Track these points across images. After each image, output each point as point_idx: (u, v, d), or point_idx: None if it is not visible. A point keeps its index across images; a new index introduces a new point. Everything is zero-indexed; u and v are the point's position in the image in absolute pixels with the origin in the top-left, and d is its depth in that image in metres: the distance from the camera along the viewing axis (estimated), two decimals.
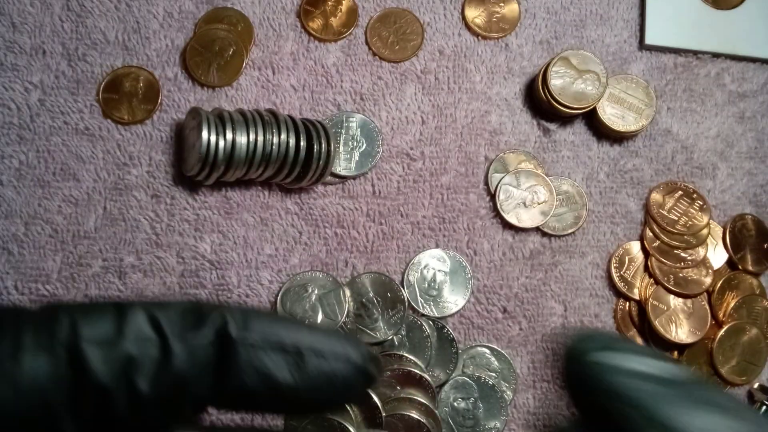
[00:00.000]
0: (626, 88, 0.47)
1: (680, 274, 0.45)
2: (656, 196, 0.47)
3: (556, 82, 0.45)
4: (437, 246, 0.45)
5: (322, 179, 0.44)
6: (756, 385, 0.45)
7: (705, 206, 0.46)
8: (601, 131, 0.47)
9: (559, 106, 0.45)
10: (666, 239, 0.45)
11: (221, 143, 0.40)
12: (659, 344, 0.44)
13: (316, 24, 0.47)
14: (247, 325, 0.18)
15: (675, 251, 0.45)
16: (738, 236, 0.46)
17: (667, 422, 0.15)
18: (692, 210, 0.46)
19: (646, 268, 0.45)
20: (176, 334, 0.17)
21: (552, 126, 0.47)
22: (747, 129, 0.49)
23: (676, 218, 0.46)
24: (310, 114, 0.46)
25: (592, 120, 0.47)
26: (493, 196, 0.46)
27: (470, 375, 0.43)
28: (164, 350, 0.17)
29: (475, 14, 0.48)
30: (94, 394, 0.16)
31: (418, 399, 0.42)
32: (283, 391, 0.18)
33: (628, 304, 0.45)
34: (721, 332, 0.44)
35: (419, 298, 0.44)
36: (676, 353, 0.45)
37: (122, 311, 0.17)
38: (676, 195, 0.46)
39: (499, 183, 0.46)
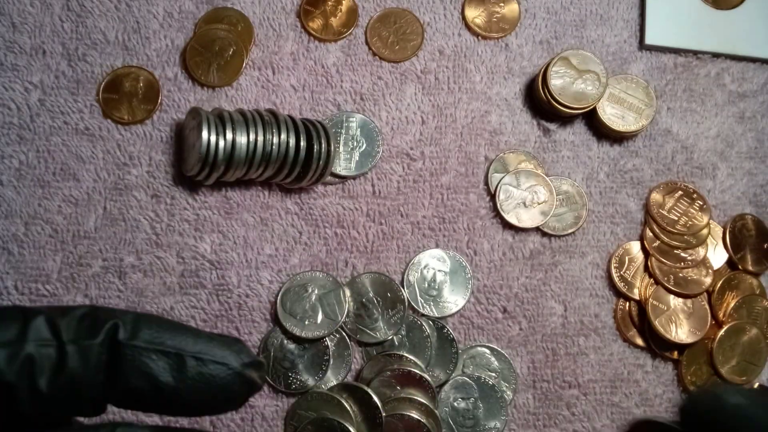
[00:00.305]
0: (626, 88, 0.47)
1: (680, 274, 0.45)
2: (656, 196, 0.47)
3: (556, 82, 0.45)
4: (437, 246, 0.45)
5: (322, 179, 0.44)
6: (756, 385, 0.45)
7: (705, 206, 0.46)
8: (601, 131, 0.47)
9: (559, 106, 0.45)
10: (666, 239, 0.45)
11: (221, 143, 0.40)
12: (659, 344, 0.45)
13: (316, 24, 0.47)
14: (136, 330, 0.20)
15: (675, 251, 0.45)
16: (738, 236, 0.46)
17: None
18: (692, 210, 0.46)
19: (646, 268, 0.45)
20: (71, 338, 0.19)
21: (552, 126, 0.47)
22: (747, 129, 0.49)
23: (676, 218, 0.46)
24: (310, 114, 0.46)
25: (592, 120, 0.47)
26: (493, 196, 0.46)
27: (470, 375, 0.43)
28: (60, 352, 0.19)
29: (475, 14, 0.48)
30: (0, 391, 0.18)
31: (418, 399, 0.42)
32: (165, 393, 0.19)
33: (628, 304, 0.45)
34: (721, 332, 0.44)
35: (419, 298, 0.44)
36: (676, 353, 0.45)
37: (27, 316, 0.19)
38: (676, 195, 0.46)
39: (499, 183, 0.46)
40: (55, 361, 0.19)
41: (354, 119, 0.46)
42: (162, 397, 0.20)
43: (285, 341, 0.43)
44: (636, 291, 0.45)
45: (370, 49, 0.47)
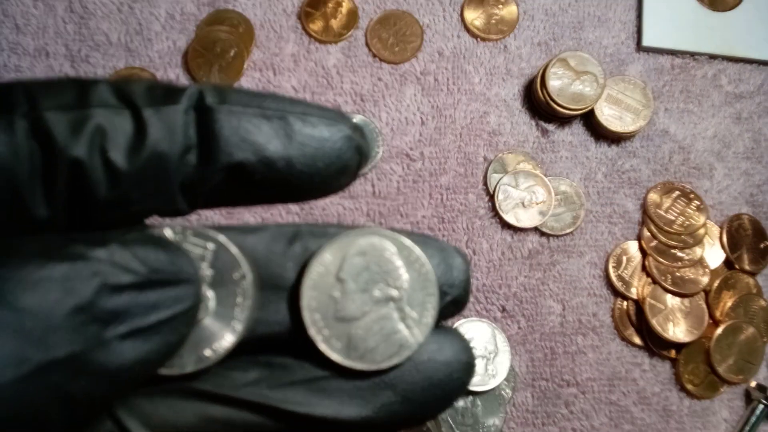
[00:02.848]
0: (624, 89, 0.47)
1: (677, 274, 0.45)
2: (653, 196, 0.47)
3: (554, 83, 0.46)
4: None
5: None
6: (753, 384, 0.45)
7: (702, 206, 0.46)
8: (599, 132, 0.48)
9: (557, 107, 0.46)
10: (663, 239, 0.46)
11: None
12: (657, 343, 0.45)
13: (316, 26, 0.47)
14: (224, 95, 0.16)
15: (672, 251, 0.46)
16: (735, 236, 0.47)
17: None
18: (689, 210, 0.46)
19: (644, 268, 0.46)
20: (146, 103, 0.15)
21: (550, 127, 0.48)
22: (744, 130, 0.49)
23: (673, 218, 0.46)
24: None
25: (590, 121, 0.48)
26: (491, 197, 0.46)
27: None
28: (136, 119, 0.15)
29: (474, 16, 0.48)
30: (64, 168, 0.14)
31: None
32: (276, 165, 0.16)
33: (625, 303, 0.46)
34: (719, 331, 0.45)
35: None
36: (673, 352, 0.45)
37: (83, 83, 0.15)
38: (674, 195, 0.47)
39: (497, 183, 0.46)
40: (133, 132, 0.15)
41: (354, 120, 0.46)
42: (274, 172, 0.16)
43: None
44: (633, 290, 0.45)
45: (370, 50, 0.47)
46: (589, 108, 0.46)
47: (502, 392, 0.44)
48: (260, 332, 0.16)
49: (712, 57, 0.49)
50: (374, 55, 0.47)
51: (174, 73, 0.46)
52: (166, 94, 0.15)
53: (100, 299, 0.13)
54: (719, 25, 0.49)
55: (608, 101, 0.47)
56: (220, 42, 0.46)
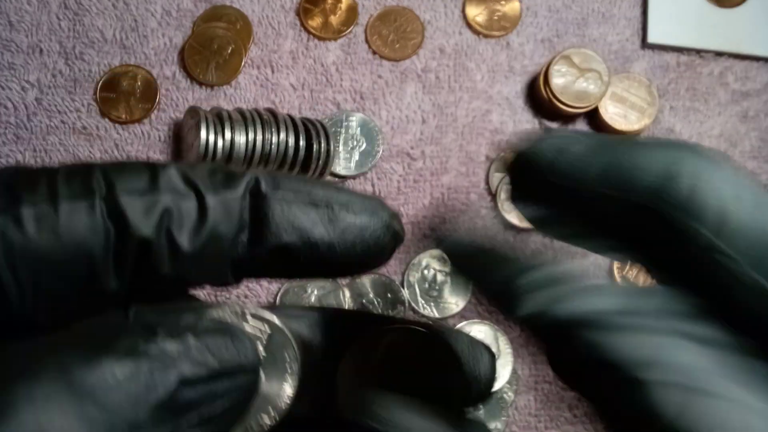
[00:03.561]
0: (628, 86, 0.46)
1: None
2: None
3: (557, 80, 0.45)
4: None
5: (321, 179, 0.43)
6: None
7: None
8: (603, 130, 0.47)
9: (560, 105, 0.45)
10: None
11: (220, 143, 0.40)
12: None
13: (315, 22, 0.47)
14: (278, 183, 0.17)
15: None
16: None
17: None
18: None
19: None
20: (209, 188, 0.17)
21: (554, 125, 0.47)
22: (750, 128, 0.48)
23: None
24: (309, 113, 0.46)
25: (594, 119, 0.47)
26: (494, 196, 0.46)
27: None
28: (200, 204, 0.16)
29: (476, 12, 0.48)
30: (134, 247, 0.16)
31: None
32: (319, 248, 0.17)
33: None
34: None
35: (420, 298, 0.44)
36: None
37: (154, 168, 0.17)
38: None
39: (500, 182, 0.45)
40: (196, 215, 0.16)
41: (354, 118, 0.46)
42: (316, 254, 0.17)
43: None
44: None
45: (370, 47, 0.47)
46: (594, 106, 0.46)
47: (505, 395, 0.43)
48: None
49: (719, 54, 0.49)
50: (374, 52, 0.47)
51: (170, 71, 0.45)
52: (227, 178, 0.17)
53: (179, 394, 0.14)
54: (725, 21, 0.48)
55: (613, 99, 0.46)
56: (217, 39, 0.45)
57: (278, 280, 0.44)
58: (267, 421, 0.17)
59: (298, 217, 0.17)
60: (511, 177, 0.17)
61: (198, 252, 0.16)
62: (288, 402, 0.18)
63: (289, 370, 0.18)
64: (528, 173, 0.17)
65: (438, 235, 0.20)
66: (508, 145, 0.47)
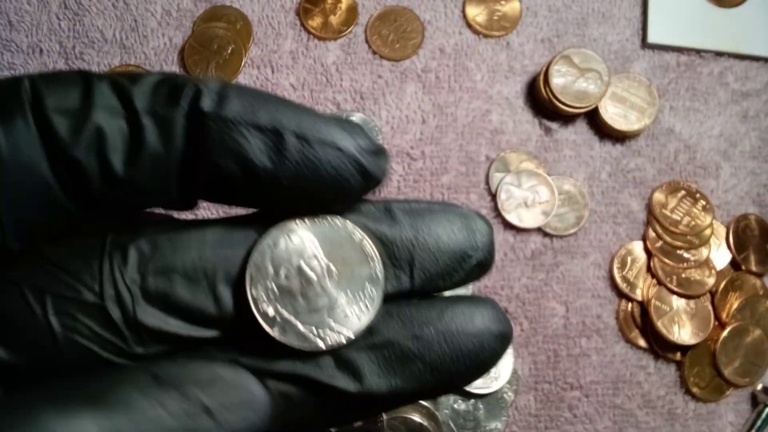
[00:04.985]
0: (628, 86, 0.46)
1: (683, 275, 0.44)
2: (659, 196, 0.46)
3: (557, 80, 0.45)
4: None
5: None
6: (759, 387, 0.45)
7: (708, 206, 0.46)
8: (603, 130, 0.47)
9: (560, 105, 0.45)
10: (669, 239, 0.45)
11: None
12: (662, 345, 0.44)
13: (315, 22, 0.47)
14: (224, 99, 0.15)
15: (678, 252, 0.45)
16: (741, 236, 0.46)
17: None
18: (695, 210, 0.46)
19: (649, 269, 0.45)
20: (146, 107, 0.15)
21: (554, 125, 0.47)
22: (750, 128, 0.48)
23: (678, 218, 0.45)
24: None
25: (594, 119, 0.47)
26: (494, 196, 0.45)
27: None
28: (134, 125, 0.15)
29: (476, 12, 0.48)
30: (67, 167, 0.15)
31: (419, 401, 0.41)
32: (260, 178, 0.16)
33: (630, 304, 0.45)
34: (725, 333, 0.44)
35: None
36: (678, 354, 0.44)
37: (88, 80, 0.15)
38: (679, 195, 0.46)
39: (500, 183, 0.45)
40: (130, 136, 0.15)
41: (354, 118, 0.46)
42: (257, 184, 0.16)
43: None
44: (638, 292, 0.45)
45: (370, 47, 0.47)
46: (593, 106, 0.45)
47: (505, 395, 0.43)
48: None
49: (719, 54, 0.48)
50: (374, 52, 0.47)
51: (170, 71, 0.45)
52: (170, 93, 0.15)
53: None
54: (726, 21, 0.48)
55: (613, 99, 0.46)
56: (217, 39, 0.45)
57: None
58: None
59: (236, 141, 0.15)
60: None
61: (134, 175, 0.15)
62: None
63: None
64: None
65: None
66: (508, 145, 0.47)
